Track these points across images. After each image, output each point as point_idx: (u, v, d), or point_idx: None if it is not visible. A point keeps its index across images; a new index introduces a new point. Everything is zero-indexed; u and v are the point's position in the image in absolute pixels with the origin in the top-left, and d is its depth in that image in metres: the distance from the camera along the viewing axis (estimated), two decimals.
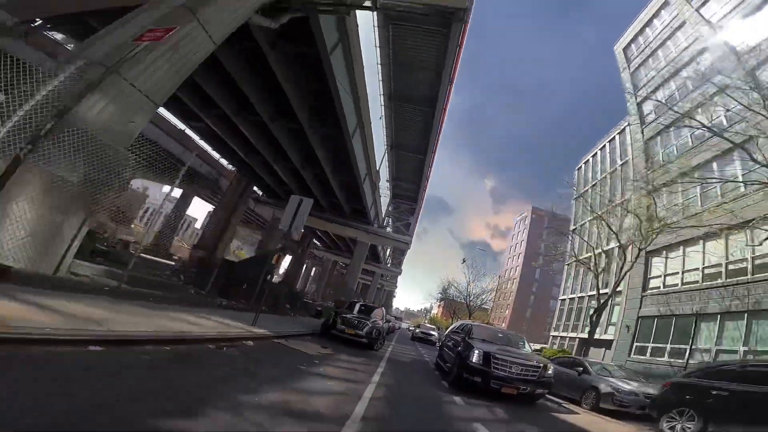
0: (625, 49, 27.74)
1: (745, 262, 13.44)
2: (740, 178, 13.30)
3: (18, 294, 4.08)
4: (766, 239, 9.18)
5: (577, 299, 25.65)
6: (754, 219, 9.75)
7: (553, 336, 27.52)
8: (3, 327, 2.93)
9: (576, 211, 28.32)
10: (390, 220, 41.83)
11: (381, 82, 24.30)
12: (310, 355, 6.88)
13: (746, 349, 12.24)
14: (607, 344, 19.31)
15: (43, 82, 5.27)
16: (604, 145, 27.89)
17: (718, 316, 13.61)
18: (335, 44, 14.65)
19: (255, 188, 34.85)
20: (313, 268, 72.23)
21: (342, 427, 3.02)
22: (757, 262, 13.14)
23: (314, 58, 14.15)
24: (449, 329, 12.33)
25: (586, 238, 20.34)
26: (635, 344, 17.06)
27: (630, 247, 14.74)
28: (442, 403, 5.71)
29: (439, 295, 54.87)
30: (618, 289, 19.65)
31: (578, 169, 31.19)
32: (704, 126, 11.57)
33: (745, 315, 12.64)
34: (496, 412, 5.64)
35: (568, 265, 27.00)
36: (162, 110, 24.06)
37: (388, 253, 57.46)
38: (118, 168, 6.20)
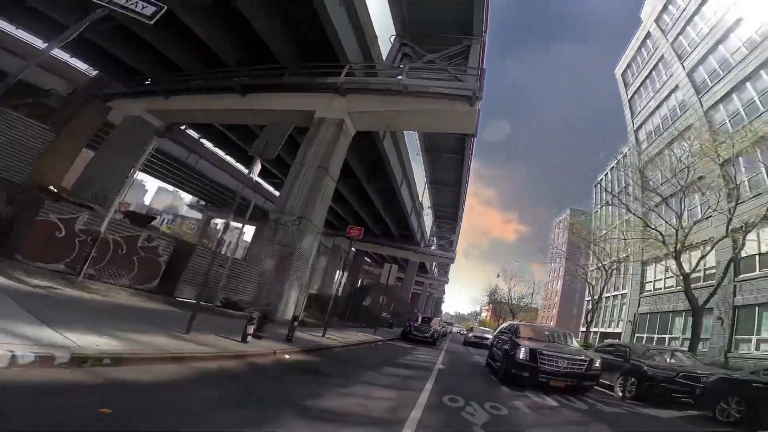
0: (623, 74, 31.98)
1: (699, 272, 18.43)
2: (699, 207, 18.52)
3: (308, 331, 11.50)
4: (666, 269, 14.79)
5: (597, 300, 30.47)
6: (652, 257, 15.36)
7: (581, 331, 32.39)
8: (342, 342, 10.28)
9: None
10: (434, 239, 48.37)
11: (418, 141, 31.57)
12: (406, 347, 13.94)
13: None
14: (618, 336, 24.44)
15: (276, 230, 12.97)
16: (614, 166, 32.40)
17: (684, 312, 18.68)
18: (384, 131, 21.84)
19: None
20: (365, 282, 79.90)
21: (435, 364, 9.85)
22: (708, 272, 18.15)
23: (369, 140, 21.23)
24: (497, 330, 13.38)
25: (582, 261, 25.73)
26: (635, 335, 22.14)
27: (609, 267, 20.31)
28: (479, 365, 12.41)
29: (486, 298, 60.46)
30: (624, 291, 24.88)
31: (595, 186, 35.72)
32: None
33: None
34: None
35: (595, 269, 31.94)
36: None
37: (434, 264, 63.89)
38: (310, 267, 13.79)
